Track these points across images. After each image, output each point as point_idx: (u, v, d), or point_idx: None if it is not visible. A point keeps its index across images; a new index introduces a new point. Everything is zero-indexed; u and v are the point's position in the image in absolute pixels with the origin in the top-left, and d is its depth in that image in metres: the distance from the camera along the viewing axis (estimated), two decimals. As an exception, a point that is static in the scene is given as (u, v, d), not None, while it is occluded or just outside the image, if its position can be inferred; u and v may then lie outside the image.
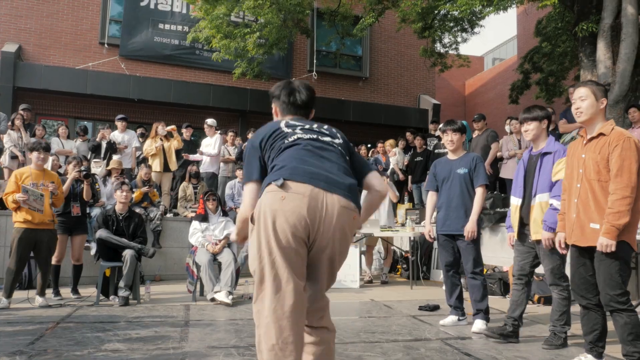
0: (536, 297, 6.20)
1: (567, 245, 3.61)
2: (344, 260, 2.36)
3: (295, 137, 2.36)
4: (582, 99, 3.44)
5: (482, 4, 8.67)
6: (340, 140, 2.50)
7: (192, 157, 10.02)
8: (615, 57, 8.28)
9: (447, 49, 13.33)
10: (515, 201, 4.35)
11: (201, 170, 9.82)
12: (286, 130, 2.41)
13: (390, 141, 11.06)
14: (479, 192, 4.85)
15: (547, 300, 6.10)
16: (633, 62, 8.17)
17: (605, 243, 3.16)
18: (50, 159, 7.76)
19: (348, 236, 2.27)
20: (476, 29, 12.51)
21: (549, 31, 13.09)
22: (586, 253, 3.40)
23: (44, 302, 5.77)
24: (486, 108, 19.60)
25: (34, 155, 5.92)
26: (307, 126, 2.45)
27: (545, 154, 4.18)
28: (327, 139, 2.44)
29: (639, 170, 3.19)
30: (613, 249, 3.15)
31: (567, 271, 4.09)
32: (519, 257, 4.39)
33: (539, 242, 4.13)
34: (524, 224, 4.29)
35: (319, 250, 2.22)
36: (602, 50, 8.38)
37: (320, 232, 2.17)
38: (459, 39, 12.84)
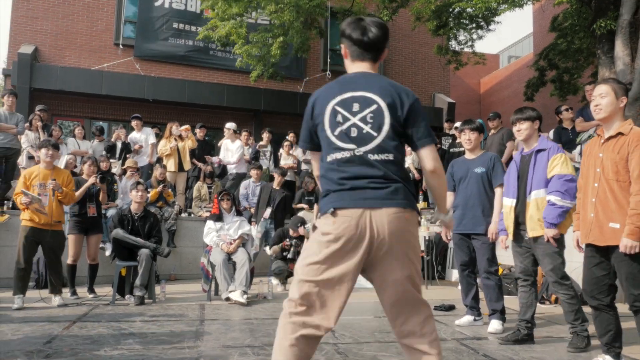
0: (553, 297, 6.13)
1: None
2: None
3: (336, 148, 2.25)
4: (602, 96, 3.39)
5: (498, 2, 8.58)
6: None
7: (215, 159, 10.02)
8: (634, 53, 8.14)
9: (462, 46, 13.22)
10: (509, 202, 4.32)
11: (229, 171, 9.81)
12: (331, 122, 2.26)
13: None
14: (498, 192, 4.79)
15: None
16: (652, 59, 8.03)
17: (629, 244, 3.13)
18: (66, 158, 7.84)
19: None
20: (492, 26, 12.39)
21: (566, 27, 12.91)
22: (603, 253, 3.36)
23: (60, 301, 5.82)
24: (502, 106, 19.43)
25: (42, 152, 5.90)
26: (357, 116, 2.25)
27: (540, 151, 4.17)
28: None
29: None
30: (637, 250, 3.12)
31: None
32: (519, 258, 4.35)
33: (535, 239, 4.10)
34: (518, 224, 4.25)
35: None
36: (620, 47, 8.24)
37: None
38: (475, 36, 12.73)
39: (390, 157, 2.22)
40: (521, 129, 4.24)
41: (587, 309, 4.14)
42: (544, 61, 14.01)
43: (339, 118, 2.23)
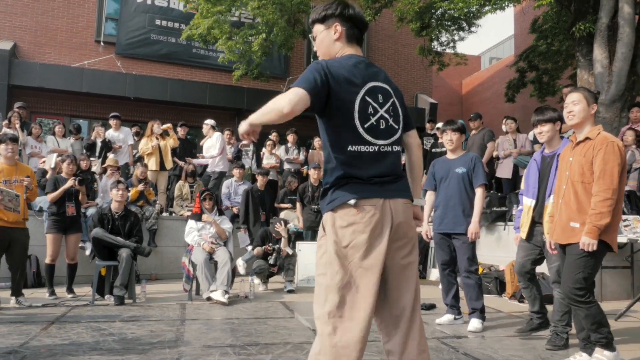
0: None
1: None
2: None
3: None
4: (575, 103, 3.56)
5: (479, 3, 8.66)
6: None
7: (195, 161, 9.94)
8: (612, 56, 8.28)
9: (444, 47, 13.32)
10: (528, 202, 4.37)
11: (209, 170, 9.76)
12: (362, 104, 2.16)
13: None
14: (479, 192, 4.85)
15: (546, 300, 6.10)
16: (630, 62, 8.18)
17: (587, 242, 3.29)
18: (55, 158, 7.74)
19: None
20: (473, 28, 12.50)
21: (546, 29, 13.09)
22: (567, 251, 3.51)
23: (24, 301, 5.69)
24: (483, 107, 19.59)
25: (1, 148, 5.66)
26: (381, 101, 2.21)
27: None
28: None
29: (620, 174, 3.33)
30: (595, 247, 3.28)
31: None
32: (522, 253, 4.42)
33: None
34: (534, 223, 4.33)
35: None
36: (599, 49, 8.38)
37: None
38: (456, 38, 12.83)
39: (399, 149, 2.27)
40: (543, 131, 4.26)
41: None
42: (524, 62, 14.19)
43: (370, 110, 2.17)
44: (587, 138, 3.50)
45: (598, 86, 8.37)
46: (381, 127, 2.19)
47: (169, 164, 9.48)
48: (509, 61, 18.22)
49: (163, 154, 9.36)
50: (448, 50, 13.44)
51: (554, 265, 4.16)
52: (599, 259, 3.42)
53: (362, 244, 2.09)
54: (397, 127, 2.25)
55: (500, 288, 6.84)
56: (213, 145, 9.84)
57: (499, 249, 7.69)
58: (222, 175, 9.79)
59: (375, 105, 2.18)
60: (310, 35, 2.44)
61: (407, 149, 2.43)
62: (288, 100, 2.02)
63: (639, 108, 7.77)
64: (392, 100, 2.25)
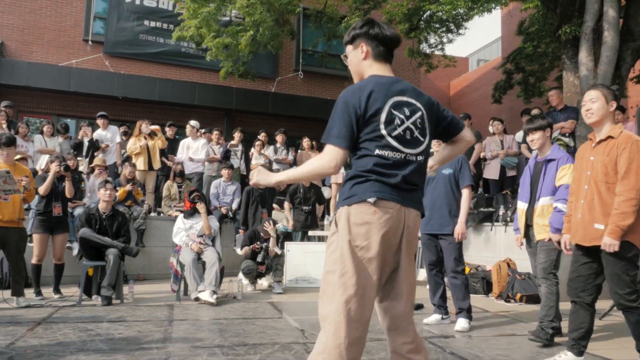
0: (518, 295, 6.27)
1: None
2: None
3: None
4: (593, 101, 3.52)
5: (467, 6, 8.73)
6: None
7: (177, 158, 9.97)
8: (596, 59, 8.37)
9: (433, 49, 13.41)
10: (521, 205, 4.51)
11: (186, 172, 9.77)
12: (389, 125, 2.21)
13: None
14: (465, 193, 4.91)
15: (530, 299, 6.18)
16: (614, 65, 8.28)
17: (609, 242, 3.25)
18: (46, 159, 7.68)
19: None
20: (461, 30, 12.59)
21: (532, 32, 13.23)
22: (590, 253, 3.47)
23: (23, 302, 5.68)
24: (471, 108, 19.71)
25: None
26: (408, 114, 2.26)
27: (550, 160, 4.33)
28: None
29: None
30: (616, 248, 3.23)
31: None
32: (533, 258, 4.54)
33: (540, 242, 4.30)
34: (528, 227, 4.46)
35: None
36: (584, 52, 8.47)
37: None
38: (445, 40, 12.91)
39: (423, 159, 2.30)
40: (534, 139, 4.40)
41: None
42: (511, 64, 14.32)
43: (397, 121, 2.21)
44: (609, 137, 3.43)
45: (583, 89, 8.46)
46: (407, 137, 2.23)
47: (157, 164, 9.46)
48: (497, 63, 18.37)
49: (151, 154, 9.34)
50: (437, 52, 13.52)
51: (540, 262, 4.27)
52: (634, 259, 3.33)
53: (374, 244, 2.10)
54: (422, 139, 2.28)
55: (487, 288, 6.91)
56: (195, 148, 9.91)
57: (486, 249, 7.76)
58: (201, 176, 9.89)
59: (402, 117, 2.22)
60: (342, 56, 2.49)
61: (456, 141, 2.48)
62: (334, 164, 2.16)
63: (619, 111, 7.85)
64: (419, 114, 2.28)
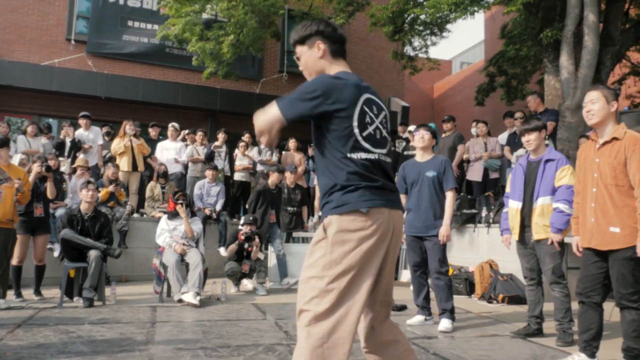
0: (500, 296, 6.33)
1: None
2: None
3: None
4: (593, 102, 3.50)
5: (450, 9, 8.82)
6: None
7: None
8: (577, 63, 8.50)
9: (416, 52, 13.50)
10: (515, 204, 4.52)
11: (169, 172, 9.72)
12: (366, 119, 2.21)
13: None
14: (450, 195, 4.95)
15: (511, 300, 6.25)
16: (594, 68, 8.41)
17: None
18: (19, 157, 7.58)
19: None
20: (445, 33, 12.69)
21: (515, 35, 13.39)
22: (603, 255, 3.46)
23: (4, 303, 5.61)
24: (454, 111, 19.86)
25: None
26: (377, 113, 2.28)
27: (548, 160, 4.37)
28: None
29: None
30: None
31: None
32: (525, 259, 4.57)
33: (538, 241, 4.33)
34: (524, 226, 4.46)
35: None
36: (565, 56, 8.60)
37: None
38: (429, 43, 13.01)
39: (391, 161, 2.33)
40: (530, 140, 4.43)
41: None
42: (494, 67, 14.47)
43: (367, 119, 2.20)
44: (614, 138, 3.40)
45: (564, 92, 8.59)
46: (377, 137, 2.23)
47: (140, 166, 9.39)
48: (480, 66, 18.55)
49: (135, 155, 9.27)
50: (421, 55, 13.62)
51: (548, 267, 4.29)
52: None
53: (366, 250, 2.10)
54: (388, 138, 2.31)
55: (470, 289, 6.96)
56: (174, 150, 9.89)
57: (468, 250, 7.82)
58: (181, 176, 9.87)
59: (371, 114, 2.23)
60: (294, 57, 2.47)
61: None
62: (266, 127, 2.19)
63: None
64: (384, 113, 2.31)
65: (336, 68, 2.33)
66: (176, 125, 10.22)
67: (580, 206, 3.63)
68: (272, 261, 7.64)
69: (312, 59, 2.36)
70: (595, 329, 3.54)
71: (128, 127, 9.32)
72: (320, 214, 10.12)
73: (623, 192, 3.33)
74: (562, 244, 4.27)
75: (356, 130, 2.16)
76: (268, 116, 2.17)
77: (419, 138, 5.11)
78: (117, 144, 9.22)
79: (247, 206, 8.50)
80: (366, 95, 2.24)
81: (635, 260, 3.28)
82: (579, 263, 3.75)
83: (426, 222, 4.96)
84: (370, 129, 2.21)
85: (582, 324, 3.59)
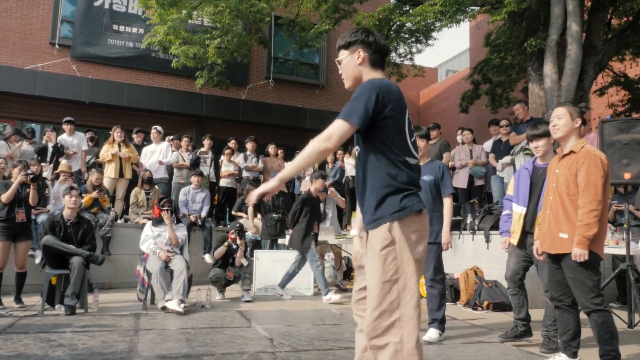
0: (485, 303, 6.35)
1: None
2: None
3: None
4: (559, 117, 3.74)
5: (436, 17, 8.89)
6: None
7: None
8: (560, 72, 8.61)
9: (402, 59, 13.59)
10: (519, 209, 4.48)
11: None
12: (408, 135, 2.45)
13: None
14: (448, 202, 4.86)
15: (496, 307, 6.27)
16: (577, 77, 8.53)
17: (578, 253, 3.42)
18: None
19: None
20: (430, 41, 12.79)
21: (499, 44, 13.54)
22: (557, 259, 3.65)
23: None
24: (439, 118, 19.99)
25: None
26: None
27: None
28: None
29: (604, 186, 3.47)
30: (586, 257, 3.41)
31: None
32: (514, 259, 4.52)
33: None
34: (525, 233, 4.44)
35: None
36: (549, 65, 8.70)
37: None
38: (414, 50, 13.10)
39: None
40: (539, 146, 4.39)
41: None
42: (478, 75, 14.62)
43: (412, 127, 2.48)
44: (571, 151, 3.65)
45: (548, 100, 8.68)
46: (415, 144, 2.50)
47: (127, 173, 9.28)
48: (465, 73, 18.73)
49: (123, 162, 9.17)
50: (406, 62, 13.70)
51: (544, 276, 4.20)
52: (596, 267, 3.51)
53: (423, 249, 2.41)
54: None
55: (455, 296, 6.98)
56: (158, 152, 9.80)
57: (453, 257, 7.84)
58: (165, 181, 9.79)
59: (410, 123, 2.46)
60: (336, 60, 2.63)
61: None
62: (335, 139, 2.33)
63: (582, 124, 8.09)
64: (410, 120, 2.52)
65: (373, 76, 2.49)
66: (159, 128, 10.13)
67: (542, 213, 3.87)
68: (258, 268, 7.59)
69: (352, 64, 2.53)
70: (572, 330, 3.69)
71: (117, 133, 9.22)
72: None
73: (574, 202, 3.55)
74: None
75: (407, 136, 2.41)
76: (335, 130, 2.32)
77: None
78: (106, 151, 9.12)
79: (290, 216, 7.91)
80: (404, 105, 2.46)
81: (586, 266, 3.45)
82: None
83: None
84: (412, 137, 2.46)
85: (560, 326, 3.78)
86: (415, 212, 2.36)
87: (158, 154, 9.80)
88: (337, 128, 2.30)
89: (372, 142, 2.39)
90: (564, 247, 3.54)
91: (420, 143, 4.89)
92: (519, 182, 4.56)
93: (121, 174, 9.19)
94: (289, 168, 2.42)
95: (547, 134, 4.32)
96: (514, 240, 4.50)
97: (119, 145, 9.18)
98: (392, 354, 2.25)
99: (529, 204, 4.41)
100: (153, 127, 10.13)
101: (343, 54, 2.55)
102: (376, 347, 2.29)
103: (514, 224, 4.54)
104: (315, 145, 2.31)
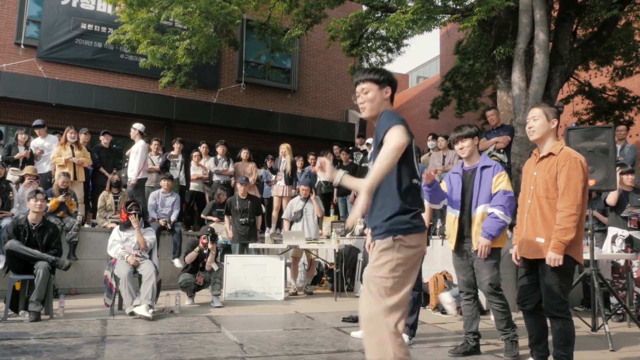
0: (459, 310, 6.41)
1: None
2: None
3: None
4: (535, 119, 3.66)
5: (408, 25, 8.99)
6: None
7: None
8: (528, 80, 8.80)
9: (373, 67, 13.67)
10: (454, 213, 4.43)
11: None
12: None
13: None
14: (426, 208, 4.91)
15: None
16: (544, 86, 8.72)
17: (553, 257, 3.39)
18: None
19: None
20: (401, 49, 12.91)
21: (469, 51, 13.77)
22: (532, 264, 3.64)
23: None
24: (410, 124, 19.78)
25: None
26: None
27: (485, 167, 4.31)
28: None
29: (584, 189, 3.42)
30: (560, 262, 3.38)
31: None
32: (462, 272, 4.44)
33: (477, 252, 4.20)
34: (462, 237, 4.38)
35: None
36: (516, 73, 8.89)
37: None
38: (385, 59, 13.20)
39: None
40: (464, 147, 4.37)
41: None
42: (449, 82, 14.84)
43: (416, 152, 2.80)
44: (550, 153, 3.57)
45: (516, 107, 8.86)
46: (418, 167, 2.81)
47: (81, 176, 9.01)
48: (435, 80, 18.98)
49: (76, 165, 8.92)
50: (378, 69, 13.79)
51: (485, 279, 4.21)
52: (570, 273, 3.49)
53: (418, 261, 2.71)
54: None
55: (424, 300, 7.03)
56: (137, 152, 9.51)
57: (424, 262, 7.92)
58: (142, 182, 9.49)
59: (417, 149, 2.74)
60: (359, 88, 2.90)
61: None
62: (406, 139, 2.54)
63: None
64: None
65: (389, 109, 2.83)
66: (136, 126, 9.69)
67: (519, 217, 3.80)
68: (228, 273, 7.53)
69: (379, 99, 2.83)
70: (535, 334, 3.70)
71: (70, 134, 8.95)
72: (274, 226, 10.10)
73: (552, 205, 3.49)
74: (497, 254, 4.22)
75: (414, 160, 2.72)
76: (396, 131, 2.52)
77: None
78: (57, 154, 8.83)
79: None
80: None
81: (559, 271, 3.43)
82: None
83: None
84: (418, 161, 2.80)
85: (527, 330, 3.78)
86: (419, 231, 2.66)
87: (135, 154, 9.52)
88: (396, 129, 2.51)
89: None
90: (540, 252, 3.50)
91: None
92: (451, 187, 4.50)
93: (75, 177, 8.86)
94: (372, 177, 2.46)
95: (471, 135, 4.36)
96: (451, 245, 4.44)
97: (72, 147, 8.91)
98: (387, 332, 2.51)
99: (462, 207, 4.38)
100: (133, 126, 9.72)
101: (372, 87, 2.82)
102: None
103: (449, 228, 4.50)
104: (392, 146, 2.46)
